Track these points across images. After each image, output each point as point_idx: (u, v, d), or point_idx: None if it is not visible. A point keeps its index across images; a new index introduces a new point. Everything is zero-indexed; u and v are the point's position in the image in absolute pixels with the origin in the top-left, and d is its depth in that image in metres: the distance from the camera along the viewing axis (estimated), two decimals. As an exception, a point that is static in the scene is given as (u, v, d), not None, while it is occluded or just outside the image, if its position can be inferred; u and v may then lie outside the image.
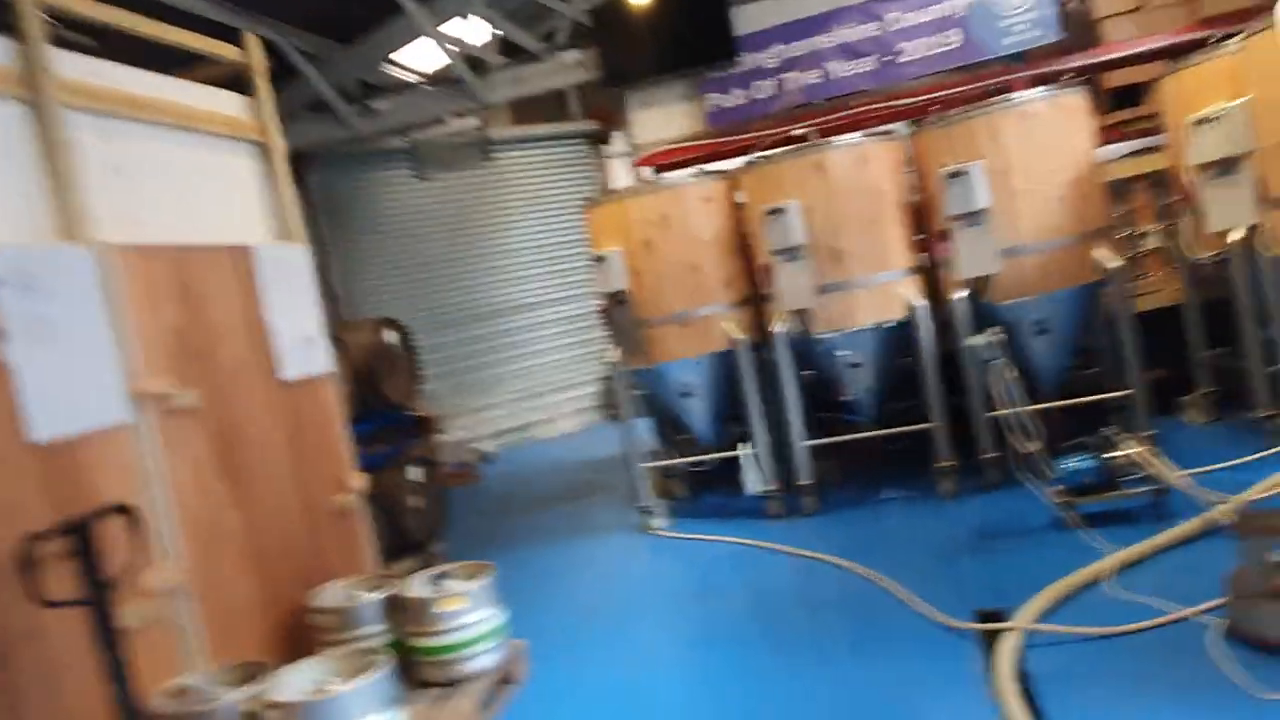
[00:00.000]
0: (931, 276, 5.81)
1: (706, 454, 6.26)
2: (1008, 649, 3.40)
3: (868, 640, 3.90)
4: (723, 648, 4.11)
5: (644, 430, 6.65)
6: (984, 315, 5.51)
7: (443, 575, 3.85)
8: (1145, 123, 6.71)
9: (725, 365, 5.94)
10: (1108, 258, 5.25)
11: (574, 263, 10.71)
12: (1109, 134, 6.36)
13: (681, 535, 5.86)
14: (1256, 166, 4.85)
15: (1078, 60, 6.78)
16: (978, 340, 4.60)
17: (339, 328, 6.13)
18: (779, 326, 5.64)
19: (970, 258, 5.34)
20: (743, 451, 5.86)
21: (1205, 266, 5.65)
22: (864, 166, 5.48)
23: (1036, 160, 5.23)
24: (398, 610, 3.67)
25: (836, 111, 7.23)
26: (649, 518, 6.03)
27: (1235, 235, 5.06)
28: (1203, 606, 3.46)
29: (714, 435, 6.27)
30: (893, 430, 5.78)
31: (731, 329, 5.83)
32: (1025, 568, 4.27)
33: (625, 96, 7.70)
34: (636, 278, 5.90)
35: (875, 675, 3.59)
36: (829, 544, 5.08)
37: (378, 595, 3.70)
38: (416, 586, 3.77)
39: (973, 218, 5.29)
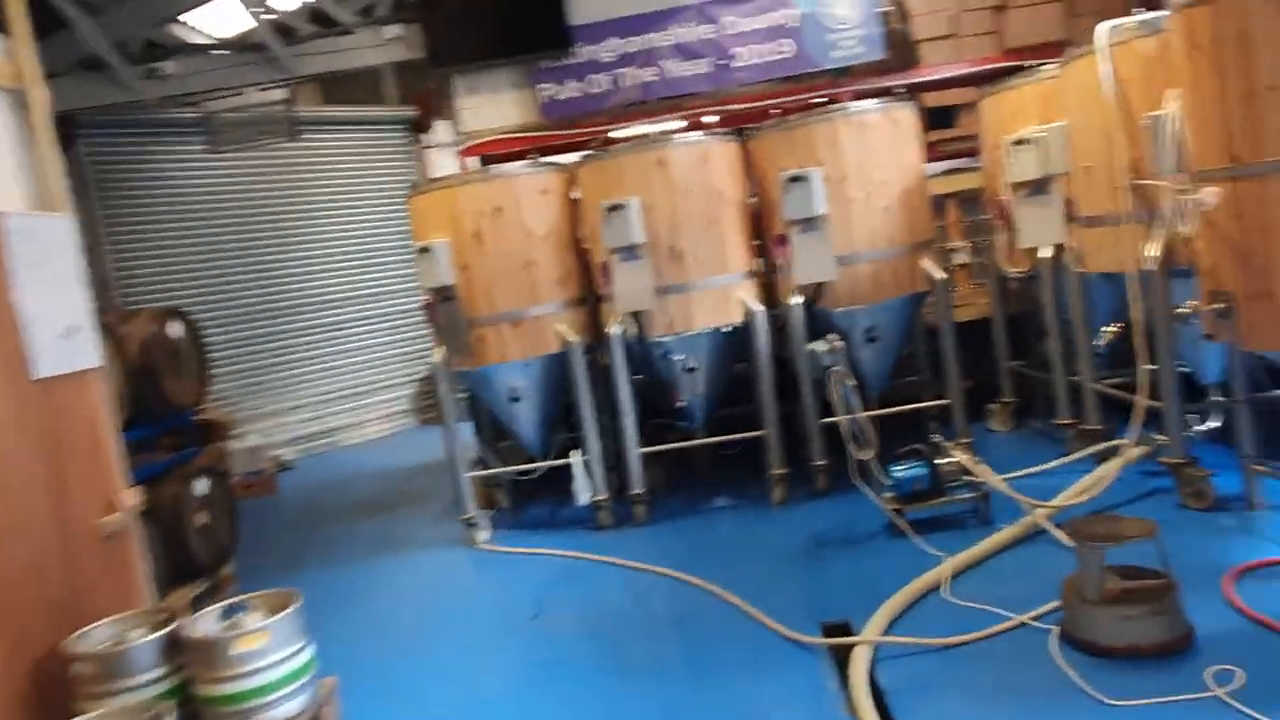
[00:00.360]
0: (767, 281, 5.78)
1: (533, 461, 5.93)
2: (860, 664, 3.31)
3: (714, 660, 3.70)
4: (559, 675, 3.79)
5: (467, 436, 6.22)
6: (818, 321, 5.53)
7: (236, 607, 3.29)
8: (958, 143, 7.06)
9: (557, 368, 5.63)
10: (935, 269, 5.40)
11: (387, 256, 10.03)
12: (928, 152, 6.62)
13: (509, 550, 5.48)
14: (1067, 188, 5.13)
15: (898, 79, 7.02)
16: (819, 346, 4.57)
17: (113, 318, 5.29)
18: (615, 329, 5.41)
19: (807, 264, 5.33)
20: (574, 459, 5.57)
21: (1014, 281, 5.96)
22: (705, 166, 5.36)
23: (871, 170, 5.30)
24: (182, 652, 3.09)
25: (673, 112, 7.12)
26: (473, 530, 5.62)
27: (1045, 253, 5.33)
28: (1039, 611, 3.52)
29: (541, 442, 5.94)
30: (726, 438, 5.68)
31: (565, 330, 5.54)
32: (862, 575, 4.25)
33: (451, 81, 7.23)
34: (465, 272, 5.48)
35: (726, 698, 3.40)
36: (664, 555, 4.88)
37: (155, 635, 3.10)
38: (205, 622, 3.19)
39: (810, 224, 5.29)
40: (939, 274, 5.36)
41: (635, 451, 5.50)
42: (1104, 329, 4.73)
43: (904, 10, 7.06)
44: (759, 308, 5.39)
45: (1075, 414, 5.41)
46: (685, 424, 5.88)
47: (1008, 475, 4.84)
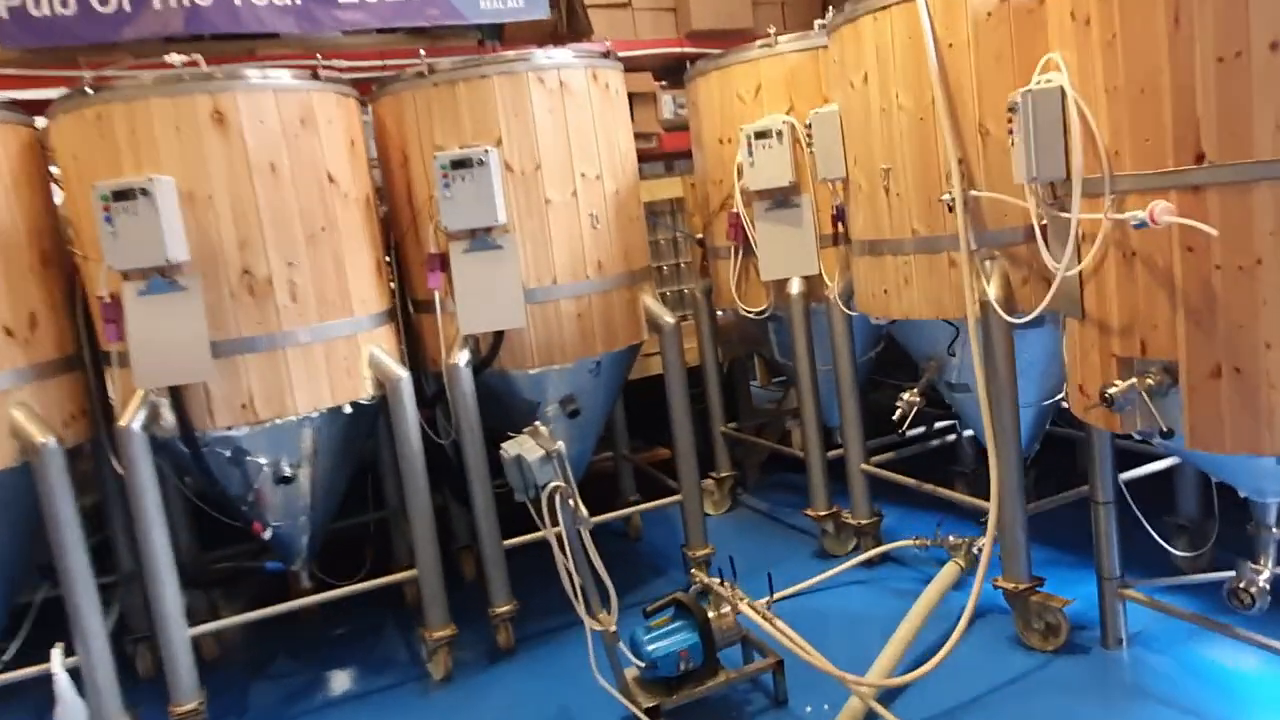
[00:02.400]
0: (409, 326, 3.69)
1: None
2: None
3: None
4: None
5: None
6: (494, 391, 3.56)
7: None
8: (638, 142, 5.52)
9: (17, 486, 2.97)
10: (661, 310, 3.73)
11: None
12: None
13: None
14: (844, 195, 3.77)
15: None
16: (529, 451, 2.61)
17: None
18: (132, 418, 2.93)
19: (479, 302, 3.34)
20: (55, 661, 2.97)
21: (740, 323, 4.54)
22: (306, 132, 3.11)
23: (578, 157, 3.47)
24: None
25: (235, 60, 4.63)
26: None
27: (795, 287, 3.94)
28: None
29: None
30: (347, 588, 3.45)
31: (25, 422, 2.91)
32: None
33: None
34: None
35: None
36: None
37: None
38: None
39: (484, 238, 3.30)
40: (667, 318, 3.69)
41: (181, 633, 3.05)
42: (905, 395, 3.41)
43: (569, -38, 5.37)
44: (401, 373, 3.27)
45: (830, 504, 4.09)
46: (275, 565, 3.53)
47: (768, 599, 3.32)
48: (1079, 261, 2.59)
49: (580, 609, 2.80)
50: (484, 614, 3.56)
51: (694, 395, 4.92)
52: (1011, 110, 2.66)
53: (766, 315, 4.14)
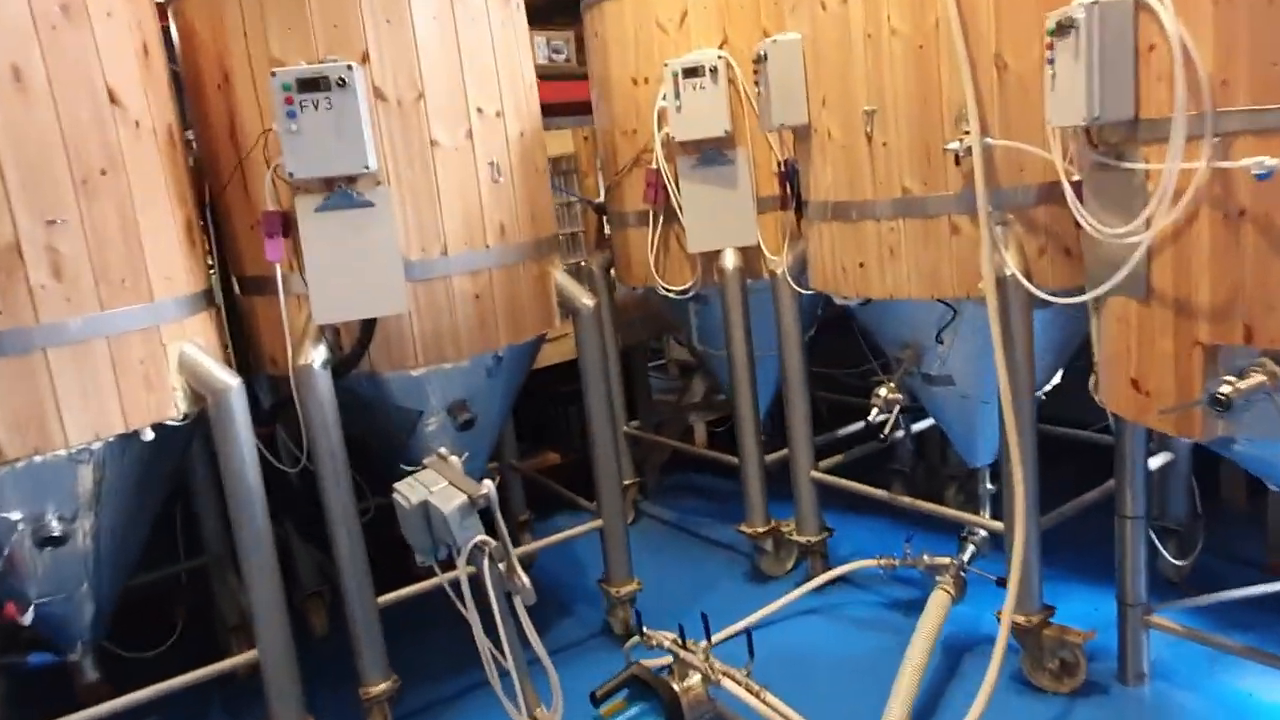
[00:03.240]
0: (235, 314, 2.71)
1: None
2: None
3: None
4: None
5: None
6: (361, 399, 2.66)
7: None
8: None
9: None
10: (578, 290, 2.93)
11: None
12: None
13: None
14: (791, 149, 3.10)
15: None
16: (439, 498, 1.75)
17: None
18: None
19: (339, 281, 2.42)
20: None
21: (642, 303, 3.81)
22: (70, 25, 2.07)
23: (473, 87, 2.60)
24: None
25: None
26: None
27: (730, 261, 3.25)
28: None
29: None
30: (152, 689, 2.45)
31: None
32: None
33: None
34: None
35: None
36: None
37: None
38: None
39: (345, 193, 2.39)
40: (585, 299, 2.90)
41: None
42: (881, 391, 2.80)
43: None
44: (227, 380, 2.30)
45: (768, 522, 3.46)
46: (43, 658, 2.48)
47: (720, 634, 2.65)
48: (1147, 227, 2.03)
49: (511, 710, 1.99)
50: (347, 686, 2.67)
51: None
52: (1060, 31, 2.06)
53: (691, 295, 3.43)
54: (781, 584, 3.46)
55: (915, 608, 3.14)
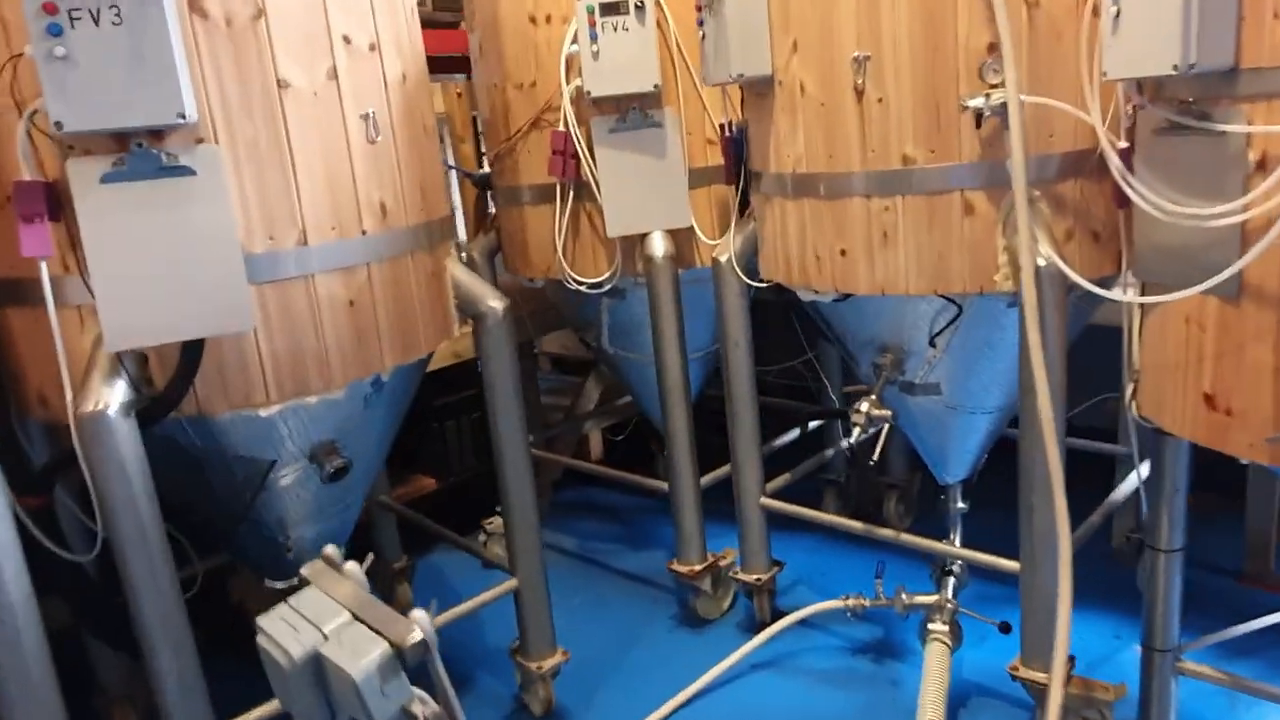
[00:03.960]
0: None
1: None
2: None
3: None
4: None
5: None
6: (184, 451, 1.87)
7: None
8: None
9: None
10: (482, 290, 2.24)
11: None
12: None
13: None
14: (732, 110, 2.52)
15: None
16: (341, 655, 1.07)
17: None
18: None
19: (145, 286, 1.63)
20: None
21: (535, 297, 3.15)
22: None
23: (335, 7, 1.84)
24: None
25: None
26: None
27: (659, 247, 2.64)
28: None
29: None
30: None
31: None
32: None
33: None
34: None
35: None
36: None
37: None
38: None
39: (147, 156, 1.60)
40: (492, 301, 2.21)
41: None
42: (863, 406, 2.29)
43: None
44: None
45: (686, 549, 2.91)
46: None
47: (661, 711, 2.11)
48: (1245, 207, 1.60)
49: None
50: None
51: (462, 401, 3.50)
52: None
53: (607, 288, 2.80)
54: (720, 629, 2.93)
55: (885, 652, 2.70)
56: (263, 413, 1.85)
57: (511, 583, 2.40)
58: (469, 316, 2.23)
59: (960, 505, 2.68)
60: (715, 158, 2.71)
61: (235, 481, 2.00)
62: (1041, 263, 1.91)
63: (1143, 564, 2.27)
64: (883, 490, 3.42)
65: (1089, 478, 2.80)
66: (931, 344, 2.29)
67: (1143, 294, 1.89)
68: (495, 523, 3.41)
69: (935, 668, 2.27)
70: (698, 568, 2.86)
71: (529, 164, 2.81)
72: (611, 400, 3.90)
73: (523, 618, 2.45)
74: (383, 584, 3.12)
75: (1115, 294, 1.86)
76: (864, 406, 2.32)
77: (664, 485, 2.96)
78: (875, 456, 2.34)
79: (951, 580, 2.54)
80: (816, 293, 2.33)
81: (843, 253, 2.21)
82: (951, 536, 2.66)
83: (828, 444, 3.43)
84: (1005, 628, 2.33)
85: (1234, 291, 1.66)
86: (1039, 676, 2.18)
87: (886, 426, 2.35)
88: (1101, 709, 2.18)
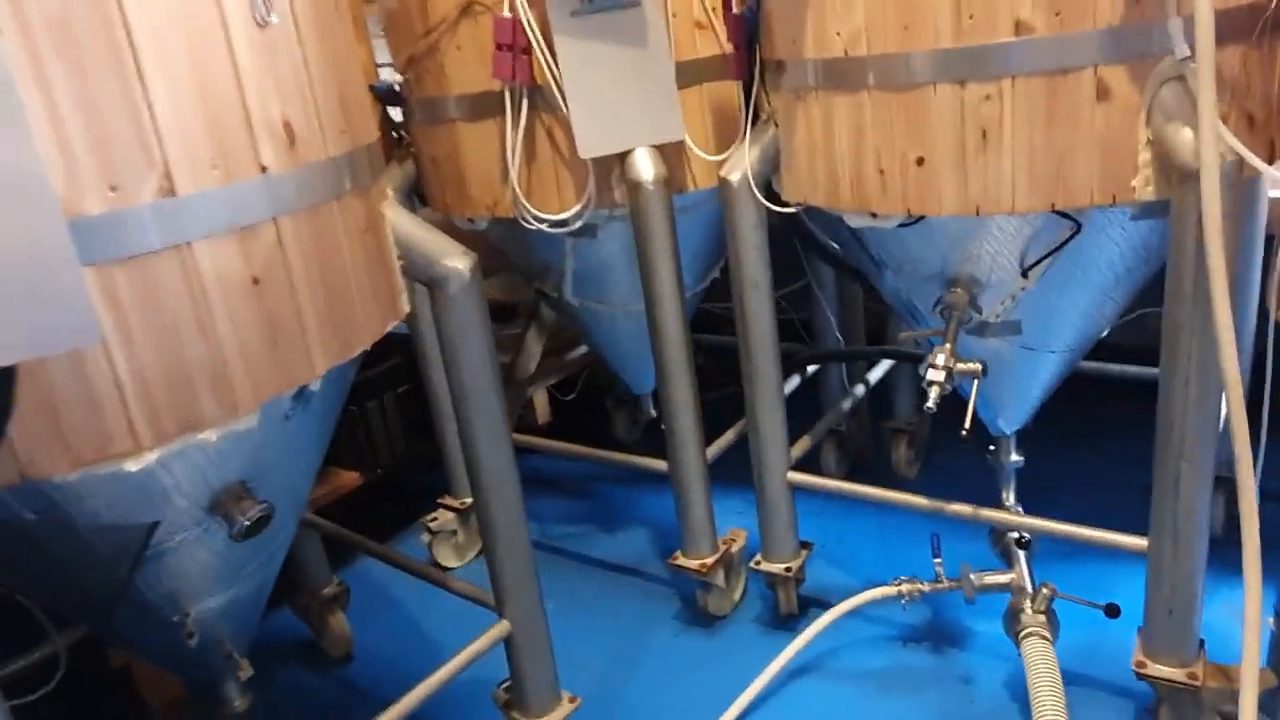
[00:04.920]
0: None
1: None
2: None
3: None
4: None
5: None
6: (21, 524, 1.19)
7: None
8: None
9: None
10: (441, 245, 1.58)
11: None
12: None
13: None
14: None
15: None
16: None
17: None
18: None
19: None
20: None
21: (478, 240, 2.48)
22: None
23: None
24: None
25: None
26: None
27: (644, 172, 2.03)
28: None
29: None
30: None
31: None
32: None
33: None
34: None
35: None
36: None
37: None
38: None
39: None
40: (455, 260, 1.57)
41: None
42: (940, 359, 1.78)
43: None
44: None
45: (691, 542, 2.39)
46: None
47: None
48: None
49: None
50: None
51: (383, 375, 2.86)
52: None
53: (577, 226, 2.17)
54: (736, 627, 2.44)
55: (942, 639, 2.28)
56: (131, 466, 1.18)
57: (502, 627, 1.82)
58: (421, 282, 1.58)
59: (1016, 458, 2.24)
60: (707, 46, 2.10)
61: (98, 558, 1.33)
62: (1228, 157, 1.42)
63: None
64: (889, 436, 2.99)
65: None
66: (1024, 274, 1.79)
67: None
68: (441, 518, 2.81)
69: (1044, 669, 1.84)
70: (710, 560, 2.35)
71: (459, 67, 2.11)
72: (560, 354, 3.30)
73: (518, 665, 1.88)
74: (312, 618, 2.48)
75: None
76: (941, 359, 1.82)
77: (657, 464, 2.42)
78: (967, 428, 1.84)
79: (1021, 554, 2.12)
80: (875, 216, 1.78)
81: (920, 162, 1.66)
82: (1006, 496, 2.24)
83: (828, 391, 2.95)
84: (1114, 611, 1.92)
85: None
86: (1175, 674, 1.79)
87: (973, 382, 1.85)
88: (1235, 698, 1.80)
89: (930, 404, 1.80)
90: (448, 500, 2.83)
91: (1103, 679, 2.09)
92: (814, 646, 2.24)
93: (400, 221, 1.54)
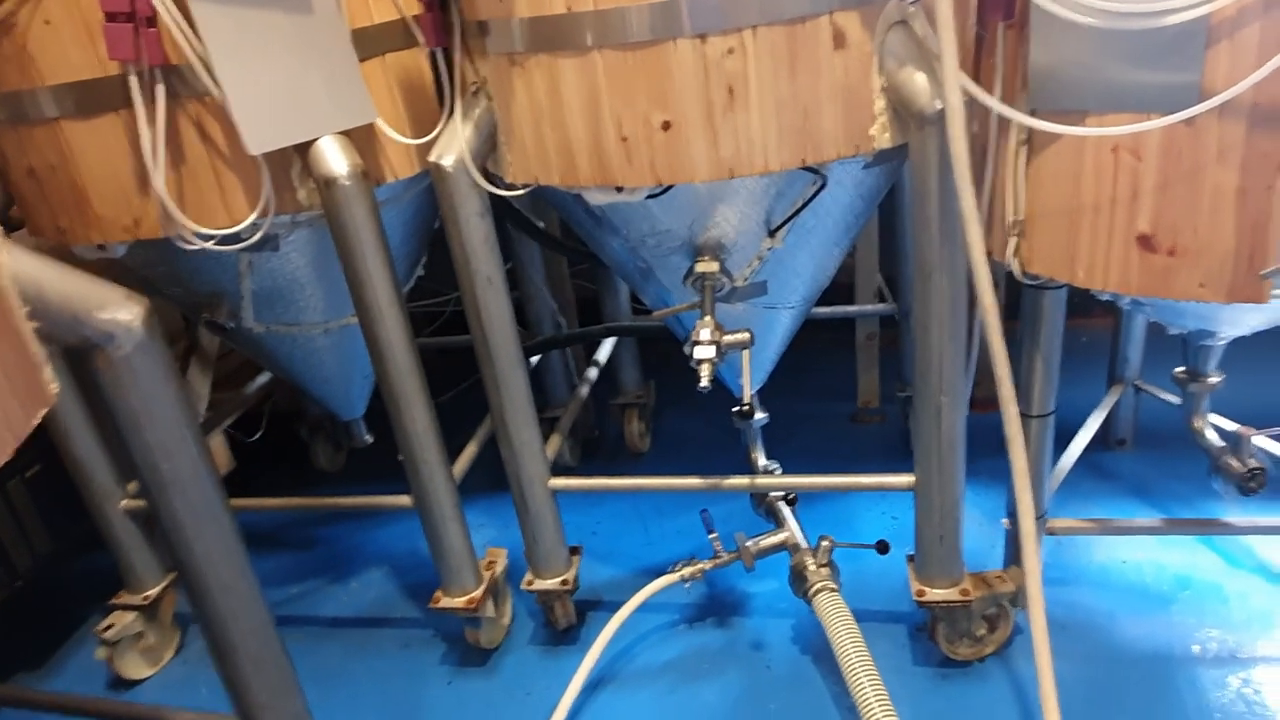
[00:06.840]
0: None
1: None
2: None
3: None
4: None
5: None
6: None
7: None
8: None
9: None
10: (102, 297, 1.13)
11: None
12: None
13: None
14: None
15: None
16: None
17: None
18: None
19: None
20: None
21: (108, 268, 1.96)
22: None
23: None
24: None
25: None
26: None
27: (338, 163, 1.68)
28: None
29: None
30: None
31: None
32: None
33: None
34: None
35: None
36: None
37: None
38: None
39: None
40: (121, 311, 1.14)
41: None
42: (704, 334, 1.66)
43: None
44: None
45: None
46: None
47: None
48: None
49: None
50: None
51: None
52: None
53: (254, 239, 1.75)
54: (513, 657, 2.22)
55: (726, 610, 2.26)
56: None
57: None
58: (69, 347, 1.14)
59: (761, 416, 2.25)
60: (384, 10, 1.78)
61: None
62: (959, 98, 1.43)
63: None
64: (617, 412, 2.90)
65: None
66: (772, 234, 1.74)
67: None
68: (119, 622, 2.24)
69: (842, 623, 1.85)
70: (478, 593, 2.09)
71: (52, 47, 1.59)
72: (235, 388, 2.78)
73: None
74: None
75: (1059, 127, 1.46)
76: (706, 334, 1.71)
77: (399, 500, 2.09)
78: (746, 401, 1.76)
79: (790, 511, 2.13)
80: (619, 191, 1.62)
81: (666, 126, 1.52)
82: (755, 455, 2.25)
83: (552, 378, 2.78)
84: (884, 548, 1.99)
85: (1194, 100, 1.34)
86: (950, 594, 1.88)
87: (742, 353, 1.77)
88: (1003, 601, 1.96)
89: (704, 384, 1.70)
90: (124, 598, 2.25)
91: (872, 609, 2.17)
92: (605, 656, 2.10)
93: (23, 267, 1.08)
